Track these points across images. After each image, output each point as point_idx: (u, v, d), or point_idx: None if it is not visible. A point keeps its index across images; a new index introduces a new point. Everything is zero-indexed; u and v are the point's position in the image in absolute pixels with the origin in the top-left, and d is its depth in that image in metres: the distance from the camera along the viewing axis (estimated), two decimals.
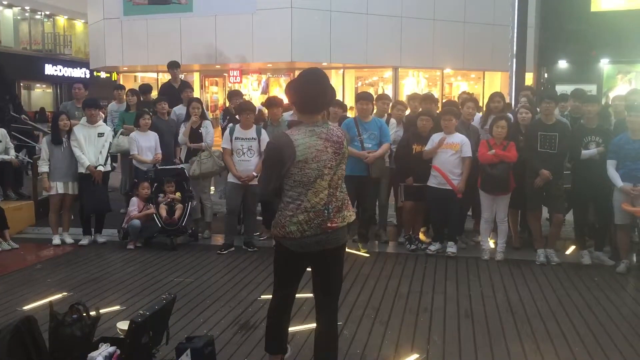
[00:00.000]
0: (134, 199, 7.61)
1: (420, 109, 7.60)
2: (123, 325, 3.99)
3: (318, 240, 3.48)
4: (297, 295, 3.81)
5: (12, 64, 9.35)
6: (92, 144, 7.54)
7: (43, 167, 7.45)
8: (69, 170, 7.50)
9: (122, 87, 10.23)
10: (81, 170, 7.45)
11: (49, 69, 29.08)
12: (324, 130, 3.47)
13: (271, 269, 3.96)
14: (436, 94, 18.42)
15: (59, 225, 7.70)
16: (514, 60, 9.74)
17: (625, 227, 6.44)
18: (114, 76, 22.76)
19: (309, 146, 3.39)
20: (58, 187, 7.47)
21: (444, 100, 14.96)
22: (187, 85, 9.39)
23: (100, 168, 7.50)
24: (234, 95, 8.84)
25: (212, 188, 8.95)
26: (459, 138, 6.83)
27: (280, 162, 3.39)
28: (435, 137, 6.88)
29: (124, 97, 9.52)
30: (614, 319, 5.01)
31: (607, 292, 5.72)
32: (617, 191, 6.31)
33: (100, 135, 7.62)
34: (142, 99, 9.43)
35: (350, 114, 9.35)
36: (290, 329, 4.44)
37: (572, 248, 7.14)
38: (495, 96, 7.63)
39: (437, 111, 7.85)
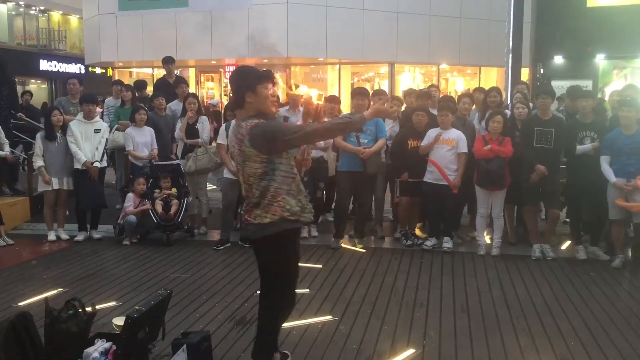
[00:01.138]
0: (130, 195, 7.59)
1: (416, 105, 7.61)
2: (119, 321, 3.99)
3: (244, 228, 3.64)
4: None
5: (6, 59, 9.26)
6: (88, 140, 7.51)
7: (38, 162, 7.42)
8: (63, 166, 7.48)
9: (120, 83, 10.19)
10: (77, 166, 7.43)
11: (44, 65, 28.95)
12: (236, 128, 3.53)
13: None
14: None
15: (54, 221, 7.68)
16: (510, 55, 9.73)
17: (620, 222, 6.46)
18: (109, 72, 22.69)
19: (231, 142, 3.63)
20: (53, 183, 7.44)
21: (440, 96, 14.95)
22: (181, 81, 9.36)
23: (97, 164, 7.48)
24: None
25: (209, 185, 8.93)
26: (455, 134, 6.84)
27: None
28: (432, 133, 6.89)
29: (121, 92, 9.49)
30: (610, 313, 5.03)
31: (602, 286, 5.74)
32: (611, 186, 6.33)
33: (97, 131, 7.59)
34: (137, 94, 9.41)
35: (345, 111, 9.33)
36: (286, 324, 4.45)
37: (567, 243, 7.16)
38: (492, 91, 7.63)
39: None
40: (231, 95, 3.71)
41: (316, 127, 3.52)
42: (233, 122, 7.02)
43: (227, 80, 20.08)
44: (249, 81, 3.50)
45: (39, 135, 7.64)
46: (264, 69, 3.83)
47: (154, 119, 8.10)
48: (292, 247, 3.67)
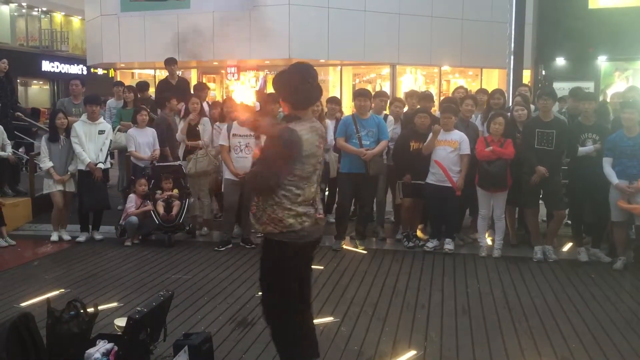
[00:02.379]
0: (132, 196, 7.60)
1: (418, 107, 7.61)
2: (121, 322, 4.00)
3: (312, 231, 3.56)
4: None
5: (8, 60, 9.28)
6: (92, 141, 7.52)
7: (47, 163, 7.44)
8: (66, 168, 7.51)
9: (121, 84, 10.21)
10: (81, 167, 7.44)
11: (46, 66, 29.00)
12: (317, 125, 3.52)
13: None
14: (434, 91, 18.44)
15: (60, 222, 7.69)
16: (512, 57, 9.76)
17: (622, 224, 6.46)
18: (111, 73, 22.71)
19: (312, 142, 3.44)
20: (57, 185, 7.46)
21: (441, 98, 14.98)
22: (202, 88, 9.23)
23: (100, 165, 7.49)
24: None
25: None
26: (458, 135, 6.84)
27: (291, 155, 3.37)
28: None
29: (122, 93, 9.51)
30: (611, 315, 5.02)
31: (603, 288, 5.73)
32: (613, 188, 6.32)
33: (101, 132, 7.61)
34: (139, 95, 9.42)
35: (346, 112, 9.35)
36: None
37: (569, 245, 7.15)
38: (496, 93, 7.64)
39: (434, 109, 7.85)
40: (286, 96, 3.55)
41: None
42: (235, 123, 7.07)
43: (229, 80, 20.13)
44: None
45: (44, 138, 7.68)
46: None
47: (165, 120, 8.05)
48: None
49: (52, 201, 7.58)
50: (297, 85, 3.46)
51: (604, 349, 4.35)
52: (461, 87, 9.98)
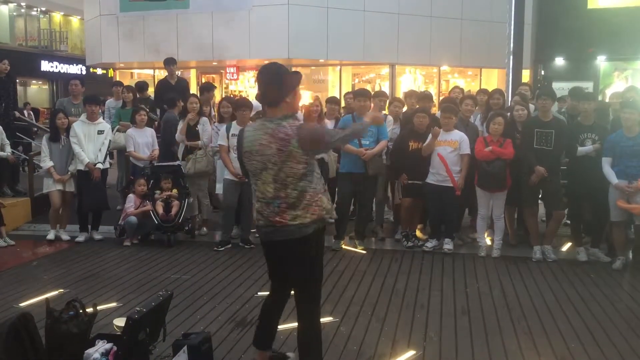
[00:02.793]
0: (131, 196, 7.60)
1: (417, 106, 7.61)
2: (120, 322, 4.00)
3: (266, 232, 3.61)
4: (292, 292, 3.75)
5: (8, 60, 9.28)
6: (91, 141, 7.51)
7: (48, 162, 7.44)
8: (67, 167, 7.51)
9: (120, 84, 10.20)
10: (80, 167, 7.44)
11: (45, 65, 29.01)
12: (272, 126, 3.50)
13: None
14: (433, 91, 18.45)
15: (58, 221, 7.69)
16: (511, 57, 9.76)
17: (621, 224, 6.46)
18: (110, 73, 22.71)
19: (254, 140, 3.53)
20: (56, 184, 7.45)
21: (441, 98, 14.98)
22: (209, 88, 9.23)
23: (100, 166, 7.48)
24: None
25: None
26: (458, 135, 6.83)
27: (240, 150, 3.71)
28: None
29: (122, 93, 9.50)
30: (610, 315, 5.03)
31: (602, 288, 5.74)
32: (612, 188, 6.32)
33: (100, 132, 7.60)
34: (138, 95, 9.41)
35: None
36: (286, 325, 4.45)
37: (568, 245, 7.16)
38: (495, 93, 7.65)
39: (434, 109, 7.85)
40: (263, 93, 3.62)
41: (346, 132, 3.77)
42: (234, 123, 7.07)
43: (228, 81, 20.13)
44: (294, 82, 3.56)
45: (45, 137, 7.68)
46: (293, 70, 3.89)
47: (174, 120, 8.01)
48: (321, 242, 3.78)
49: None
50: (265, 85, 3.57)
51: (602, 348, 4.35)
52: (457, 86, 9.99)
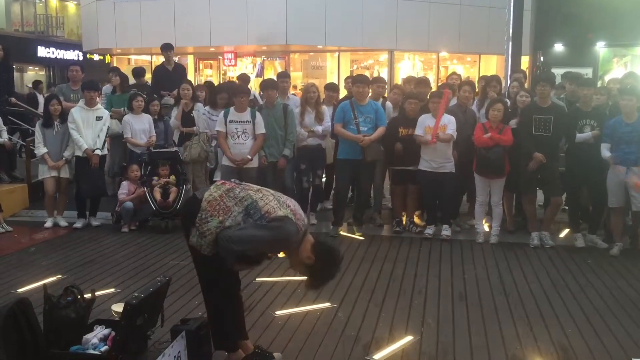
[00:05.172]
0: (125, 183, 7.58)
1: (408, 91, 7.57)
2: (118, 307, 3.99)
3: None
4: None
5: (3, 45, 9.21)
6: (90, 127, 7.46)
7: (42, 149, 7.40)
8: (61, 154, 7.46)
9: (117, 70, 10.13)
10: (78, 153, 7.40)
11: (42, 51, 28.76)
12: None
13: None
14: (432, 77, 18.40)
15: (54, 208, 7.67)
16: (510, 43, 9.70)
17: (619, 210, 6.47)
18: (107, 58, 22.58)
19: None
20: (51, 171, 7.43)
21: (439, 84, 14.93)
22: (245, 79, 9.15)
23: (98, 152, 7.45)
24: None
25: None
26: (446, 119, 6.81)
27: None
28: (423, 119, 6.85)
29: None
30: (607, 301, 5.05)
31: (600, 274, 5.75)
32: (611, 173, 6.33)
33: (99, 118, 7.54)
34: (135, 81, 9.35)
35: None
36: (284, 311, 4.46)
37: (566, 231, 7.17)
38: (493, 80, 7.62)
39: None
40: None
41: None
42: (232, 109, 7.04)
43: (226, 67, 20.02)
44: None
45: (38, 123, 7.63)
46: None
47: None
48: None
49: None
50: None
51: (600, 334, 4.37)
52: (454, 73, 9.96)
